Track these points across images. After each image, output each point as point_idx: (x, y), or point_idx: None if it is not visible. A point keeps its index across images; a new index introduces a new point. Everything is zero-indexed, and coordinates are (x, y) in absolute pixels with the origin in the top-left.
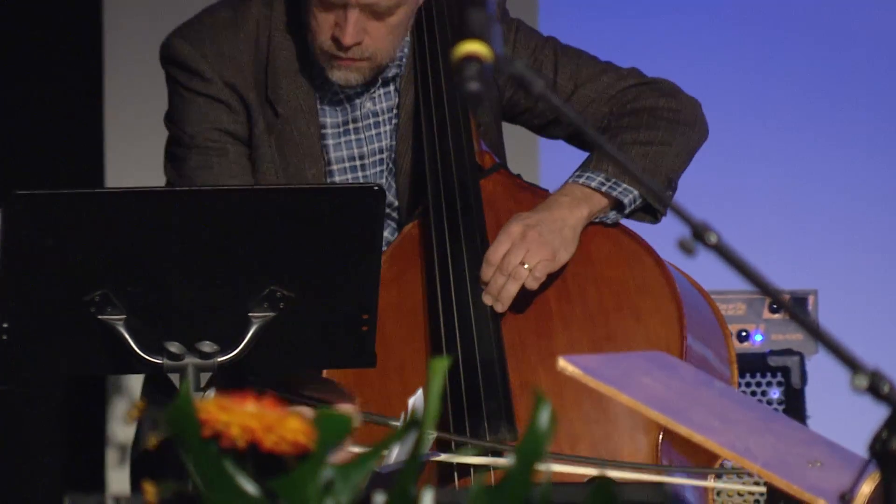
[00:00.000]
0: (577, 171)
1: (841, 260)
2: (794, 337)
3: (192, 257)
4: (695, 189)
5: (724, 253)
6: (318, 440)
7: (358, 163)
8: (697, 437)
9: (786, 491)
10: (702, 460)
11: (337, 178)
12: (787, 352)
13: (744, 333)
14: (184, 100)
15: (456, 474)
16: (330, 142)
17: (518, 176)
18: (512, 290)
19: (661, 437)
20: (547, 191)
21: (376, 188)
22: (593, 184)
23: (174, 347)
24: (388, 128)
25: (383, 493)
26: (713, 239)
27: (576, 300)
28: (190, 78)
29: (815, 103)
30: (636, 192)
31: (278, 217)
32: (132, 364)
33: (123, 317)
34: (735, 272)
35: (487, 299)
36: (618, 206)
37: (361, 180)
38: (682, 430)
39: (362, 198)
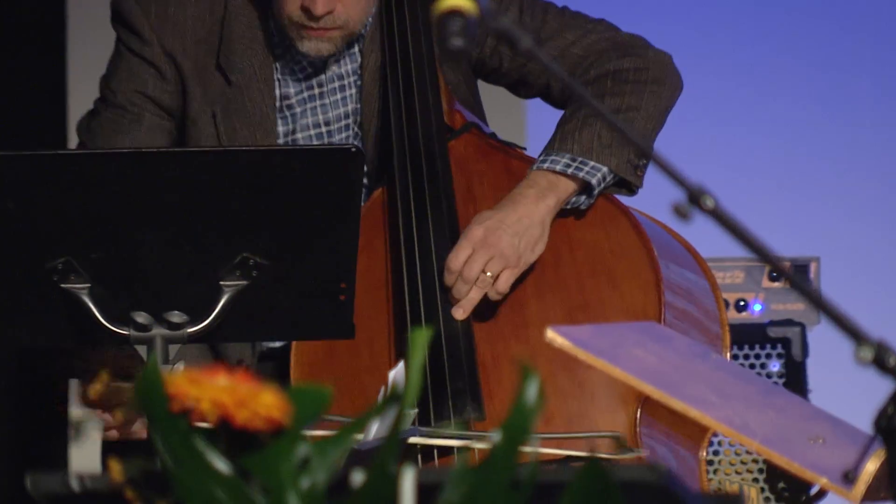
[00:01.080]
0: (541, 154)
1: (844, 225)
2: (794, 307)
3: (160, 222)
4: (690, 151)
5: (720, 218)
6: (293, 415)
7: (324, 129)
8: (693, 413)
9: (786, 468)
10: (689, 433)
11: None
12: (788, 322)
13: (742, 303)
14: (119, 57)
15: (436, 452)
16: (297, 109)
17: (492, 135)
18: (475, 298)
19: (639, 411)
20: (522, 150)
21: (353, 149)
22: (558, 167)
23: (141, 318)
24: (352, 91)
25: (362, 472)
26: (709, 203)
27: (549, 266)
28: (129, 36)
29: (819, 66)
30: (605, 169)
31: (251, 180)
32: (97, 335)
33: (87, 285)
34: (732, 238)
35: (454, 310)
36: (587, 187)
37: None
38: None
39: (339, 159)
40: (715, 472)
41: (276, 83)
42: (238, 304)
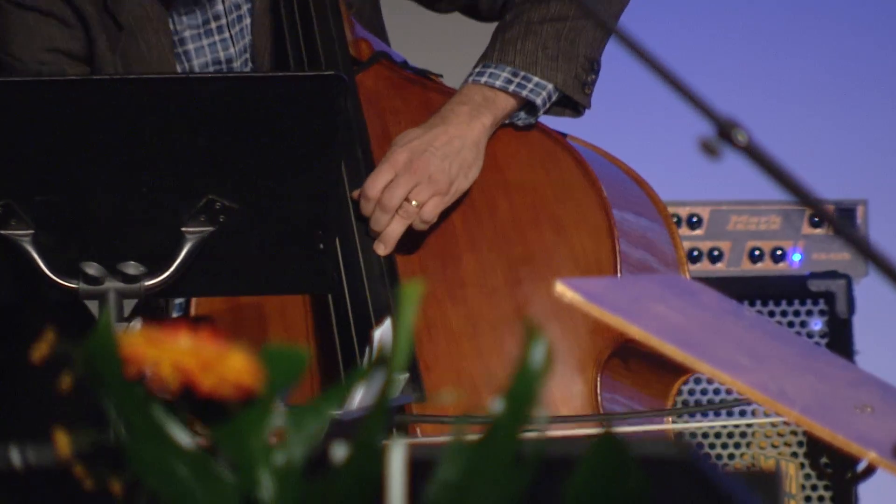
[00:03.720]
0: (477, 65)
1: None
2: (839, 256)
3: (113, 160)
4: (721, 80)
5: (755, 155)
6: (267, 381)
7: (224, 66)
8: (723, 377)
9: (829, 441)
10: (653, 393)
11: None
12: (832, 274)
13: (779, 252)
14: (9, 17)
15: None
16: (190, 46)
17: (405, 64)
18: (397, 230)
19: (599, 376)
20: (439, 78)
21: (336, 76)
22: (498, 83)
23: (92, 269)
24: (248, 21)
25: (344, 445)
26: (742, 138)
27: (484, 216)
28: None
29: None
30: (550, 87)
31: (218, 112)
32: (41, 289)
33: (30, 232)
34: (768, 178)
35: (375, 245)
36: (529, 105)
37: None
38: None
39: (319, 88)
40: (748, 445)
41: (171, 21)
42: (202, 253)
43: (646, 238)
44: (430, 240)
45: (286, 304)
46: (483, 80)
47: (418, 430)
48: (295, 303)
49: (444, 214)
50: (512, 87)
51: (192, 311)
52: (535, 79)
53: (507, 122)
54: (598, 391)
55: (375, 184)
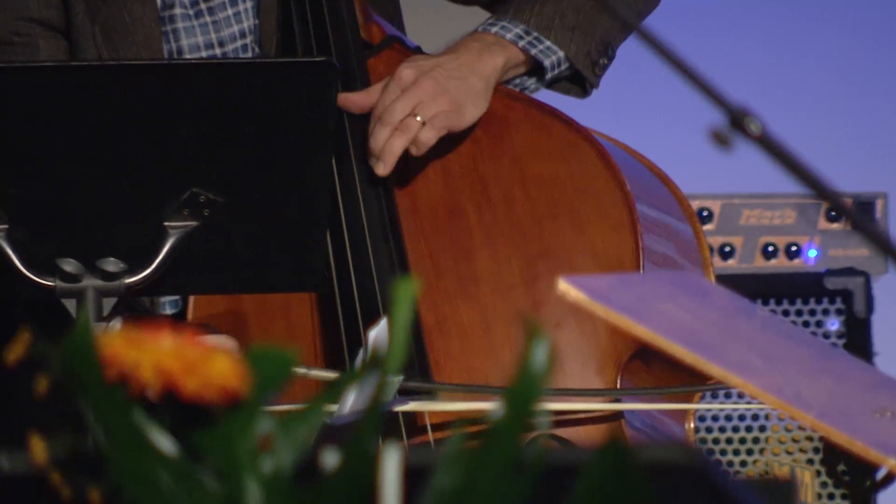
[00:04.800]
0: (488, 20)
1: None
2: (857, 252)
3: (91, 151)
4: (732, 66)
5: (769, 145)
6: (253, 385)
7: (217, 50)
8: (735, 380)
9: (846, 447)
10: (675, 398)
11: None
12: (849, 271)
13: (794, 248)
14: None
15: (430, 426)
16: (180, 25)
17: (418, 49)
18: (397, 146)
19: (619, 377)
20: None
21: (327, 62)
22: (509, 35)
23: (69, 266)
24: (248, 4)
25: (336, 451)
26: (755, 128)
27: (500, 208)
28: None
29: None
30: (561, 54)
31: (202, 101)
32: (16, 287)
33: (4, 227)
34: (783, 170)
35: (372, 162)
36: (537, 69)
37: None
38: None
39: (310, 75)
40: (762, 452)
41: None
42: (186, 249)
43: (669, 236)
44: (442, 233)
45: (291, 301)
46: (494, 30)
47: (427, 417)
48: (300, 299)
49: (458, 207)
50: (522, 43)
51: (191, 308)
52: (547, 42)
53: (517, 86)
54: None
55: (382, 101)
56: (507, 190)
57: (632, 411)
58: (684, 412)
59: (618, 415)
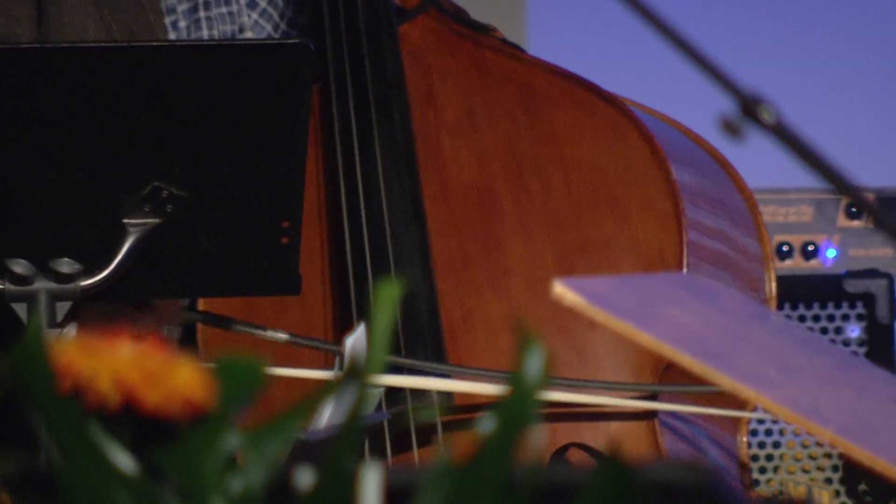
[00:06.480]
0: None
1: None
2: (879, 252)
3: (42, 141)
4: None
5: (783, 135)
6: (220, 397)
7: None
8: (746, 392)
9: (868, 465)
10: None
11: None
12: (871, 273)
13: (811, 247)
14: None
15: (414, 440)
16: (182, 24)
17: (457, 14)
18: None
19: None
20: (495, 31)
21: (301, 44)
22: None
23: (20, 267)
24: None
25: (311, 469)
26: (769, 116)
27: (535, 194)
28: None
29: None
30: None
31: (164, 86)
32: None
33: None
34: (799, 163)
35: None
36: None
37: None
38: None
39: (282, 58)
40: (776, 469)
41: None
42: (147, 249)
43: (722, 228)
44: (473, 219)
45: (305, 289)
46: None
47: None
48: (314, 291)
49: (491, 191)
50: None
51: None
52: None
53: None
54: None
55: None
56: (545, 174)
57: (673, 418)
58: (738, 419)
59: (651, 414)
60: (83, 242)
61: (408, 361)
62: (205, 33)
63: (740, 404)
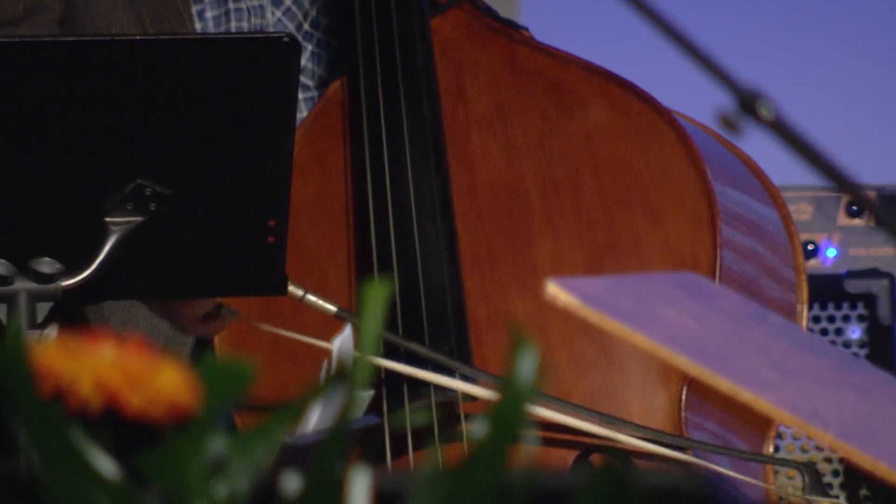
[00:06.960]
0: None
1: None
2: (881, 251)
3: (22, 138)
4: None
5: (782, 131)
6: (205, 400)
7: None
8: (744, 395)
9: (870, 470)
10: (751, 419)
11: None
12: (872, 273)
13: (811, 247)
14: None
15: (410, 443)
16: (209, 14)
17: (489, 10)
18: None
19: (685, 389)
20: (526, 30)
21: (287, 38)
22: None
23: None
24: None
25: (297, 475)
26: (768, 112)
27: (566, 193)
28: None
29: None
30: None
31: (148, 81)
32: None
33: None
34: (798, 159)
35: None
36: None
37: None
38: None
39: (268, 52)
40: (775, 473)
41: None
42: (129, 248)
43: (755, 229)
44: (501, 216)
45: (329, 282)
46: None
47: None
48: (338, 283)
49: (521, 188)
50: None
51: None
52: None
53: None
54: (682, 409)
55: None
56: (576, 172)
57: (701, 426)
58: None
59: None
60: (64, 241)
61: (431, 354)
62: (233, 25)
63: (766, 422)
